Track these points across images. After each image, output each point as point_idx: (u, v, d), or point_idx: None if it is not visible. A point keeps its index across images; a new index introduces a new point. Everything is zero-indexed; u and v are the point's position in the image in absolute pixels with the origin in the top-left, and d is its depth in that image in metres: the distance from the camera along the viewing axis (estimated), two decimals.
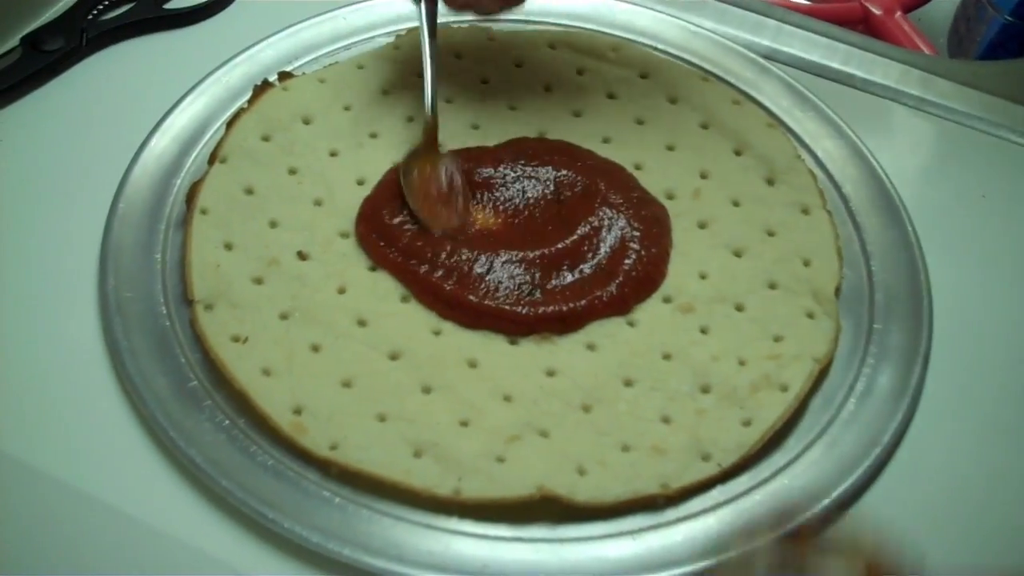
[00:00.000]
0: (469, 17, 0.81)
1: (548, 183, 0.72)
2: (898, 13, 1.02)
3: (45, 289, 0.68)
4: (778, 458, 0.63)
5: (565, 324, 0.66)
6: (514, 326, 0.66)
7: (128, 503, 0.59)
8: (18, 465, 0.60)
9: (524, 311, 0.66)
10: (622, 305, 0.67)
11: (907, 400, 0.65)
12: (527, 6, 0.84)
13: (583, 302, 0.66)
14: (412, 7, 0.84)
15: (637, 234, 0.70)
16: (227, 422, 0.62)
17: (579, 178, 0.73)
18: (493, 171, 0.73)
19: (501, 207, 0.72)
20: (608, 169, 0.74)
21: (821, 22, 0.90)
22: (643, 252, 0.69)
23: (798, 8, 0.96)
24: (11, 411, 0.62)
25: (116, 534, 0.58)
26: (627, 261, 0.68)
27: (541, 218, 0.71)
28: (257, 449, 0.61)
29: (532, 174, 0.73)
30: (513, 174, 0.73)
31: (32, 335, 0.66)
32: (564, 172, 0.73)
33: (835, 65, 0.87)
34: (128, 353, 0.64)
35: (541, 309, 0.66)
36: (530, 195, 0.72)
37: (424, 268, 0.67)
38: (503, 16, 0.82)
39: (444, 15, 0.76)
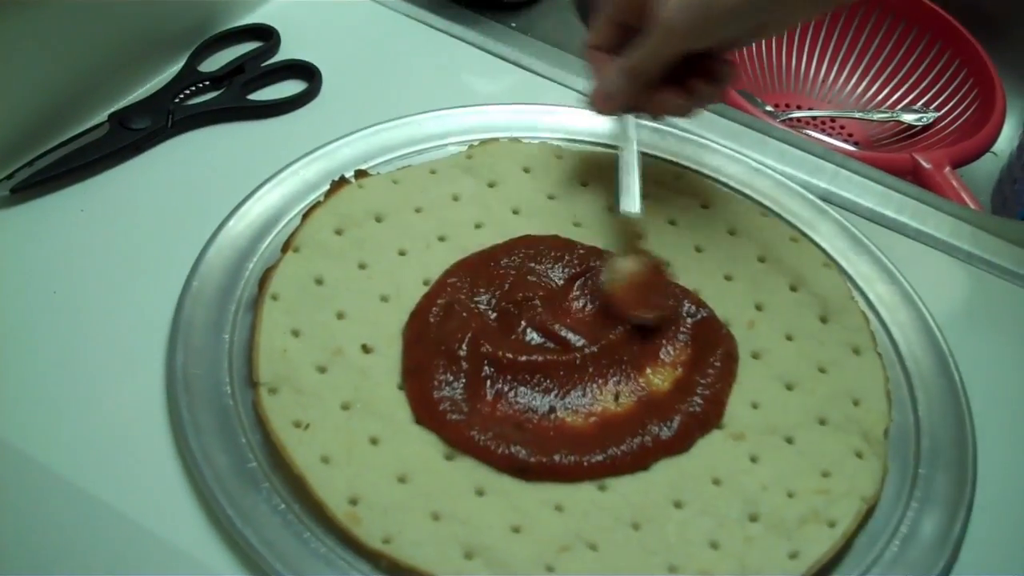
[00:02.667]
0: (560, 136, 0.87)
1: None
2: (947, 168, 1.05)
3: (115, 359, 0.69)
4: None
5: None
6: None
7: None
8: (68, 528, 0.61)
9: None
10: (682, 444, 0.68)
11: (950, 548, 0.66)
12: (596, 128, 0.88)
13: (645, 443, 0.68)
14: (487, 118, 0.88)
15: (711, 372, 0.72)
16: (283, 506, 0.62)
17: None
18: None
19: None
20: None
21: (876, 170, 0.93)
22: (708, 392, 0.70)
23: (852, 155, 0.99)
24: (72, 474, 0.63)
25: None
26: (692, 401, 0.70)
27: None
28: (310, 536, 0.61)
29: None
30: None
31: (98, 403, 0.67)
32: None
33: (889, 213, 0.89)
34: (191, 428, 0.65)
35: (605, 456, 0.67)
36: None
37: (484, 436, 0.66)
38: (568, 135, 0.86)
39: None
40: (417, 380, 0.69)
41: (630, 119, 0.78)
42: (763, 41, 1.25)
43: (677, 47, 0.71)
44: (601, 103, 0.77)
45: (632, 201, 0.77)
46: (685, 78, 0.73)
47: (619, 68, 0.73)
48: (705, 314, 0.75)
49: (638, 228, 0.77)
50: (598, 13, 0.76)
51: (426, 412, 0.67)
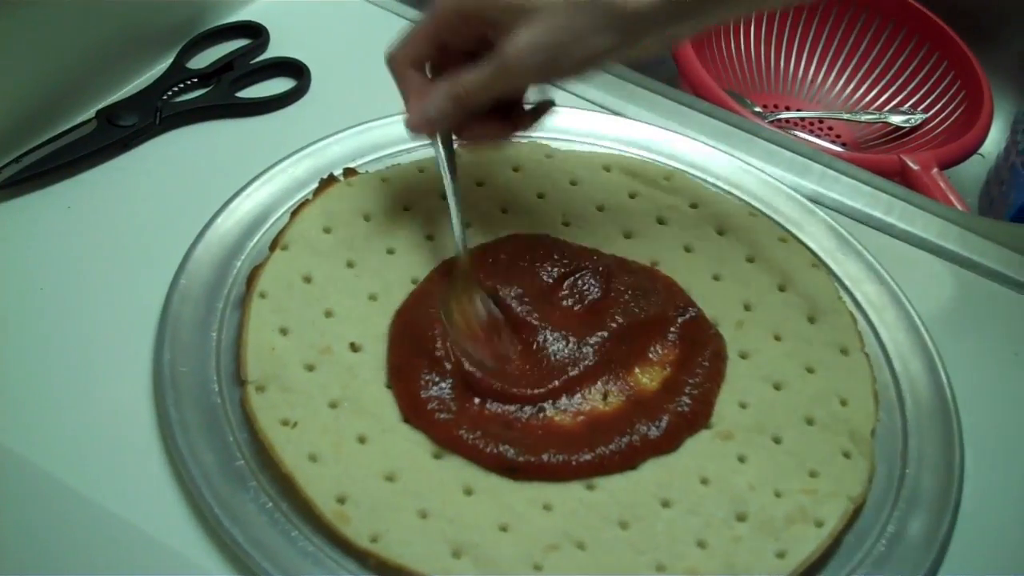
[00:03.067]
0: (525, 135, 0.83)
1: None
2: (934, 169, 1.05)
3: (102, 356, 0.69)
4: None
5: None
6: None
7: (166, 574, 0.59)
8: (54, 524, 0.61)
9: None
10: (670, 444, 0.68)
11: (936, 548, 0.66)
12: (586, 127, 0.88)
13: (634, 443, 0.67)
14: None
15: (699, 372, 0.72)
16: (270, 504, 0.62)
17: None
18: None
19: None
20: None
21: (865, 171, 0.93)
22: (696, 392, 0.71)
23: (840, 156, 1.00)
24: (58, 471, 0.63)
25: None
26: (680, 400, 0.70)
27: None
28: (298, 534, 0.61)
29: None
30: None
31: (85, 401, 0.67)
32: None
33: (877, 214, 0.90)
34: (178, 426, 0.65)
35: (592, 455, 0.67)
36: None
37: (472, 435, 0.66)
38: (557, 135, 0.86)
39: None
40: (402, 379, 0.69)
41: (440, 150, 0.73)
42: (751, 42, 1.26)
43: (517, 85, 0.70)
44: (420, 126, 0.71)
45: (456, 242, 0.73)
46: (506, 107, 0.71)
47: (445, 93, 0.68)
48: (694, 314, 0.75)
49: (465, 268, 0.74)
50: (417, 26, 0.70)
51: (414, 411, 0.67)
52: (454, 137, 0.73)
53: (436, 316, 0.71)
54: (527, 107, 0.73)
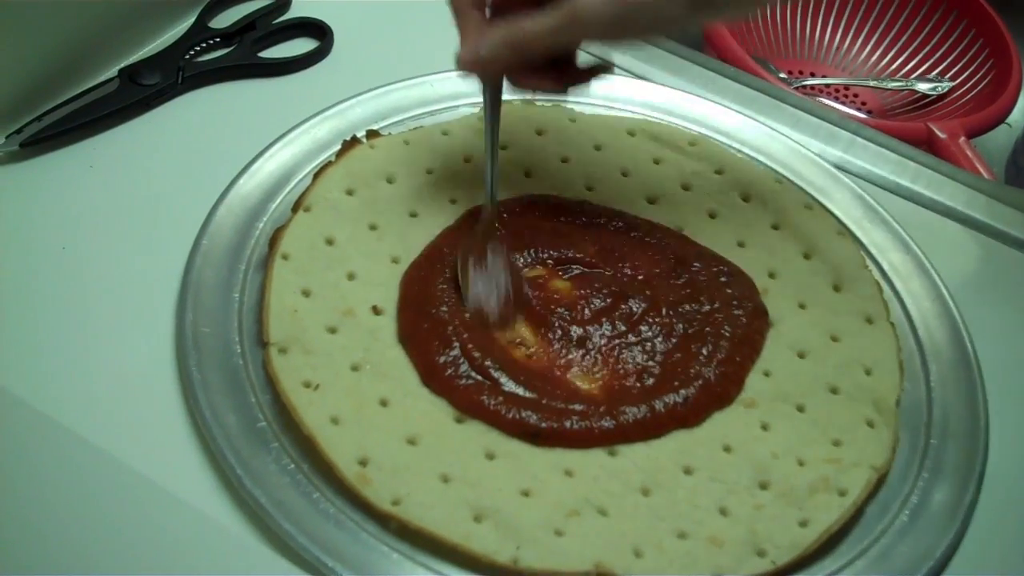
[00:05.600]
0: (551, 97, 0.82)
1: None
2: (961, 138, 1.04)
3: (124, 316, 0.69)
4: (829, 562, 0.63)
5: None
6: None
7: (188, 536, 0.59)
8: (78, 482, 0.61)
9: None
10: (697, 418, 0.68)
11: (960, 517, 0.65)
12: (611, 92, 0.87)
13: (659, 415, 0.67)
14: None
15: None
16: (292, 466, 0.62)
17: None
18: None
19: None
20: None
21: (892, 139, 0.92)
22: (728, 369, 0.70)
23: (867, 123, 0.98)
24: (82, 429, 0.62)
25: (172, 564, 0.58)
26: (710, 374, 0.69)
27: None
28: (320, 496, 0.61)
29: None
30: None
31: (108, 361, 0.67)
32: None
33: (904, 182, 0.89)
34: (201, 387, 0.65)
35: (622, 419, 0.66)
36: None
37: (493, 400, 0.66)
38: (581, 99, 0.85)
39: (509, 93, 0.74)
40: (415, 346, 0.68)
41: (486, 96, 0.71)
42: (777, 7, 1.24)
43: (583, 36, 0.66)
44: (470, 65, 0.67)
45: (486, 191, 0.73)
46: (561, 60, 0.69)
47: (504, 37, 0.65)
48: (749, 306, 0.74)
49: (490, 220, 0.73)
50: None
51: (433, 378, 0.67)
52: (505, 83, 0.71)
53: (442, 276, 0.71)
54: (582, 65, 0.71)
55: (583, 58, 0.70)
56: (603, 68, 0.72)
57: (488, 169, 0.72)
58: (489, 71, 0.68)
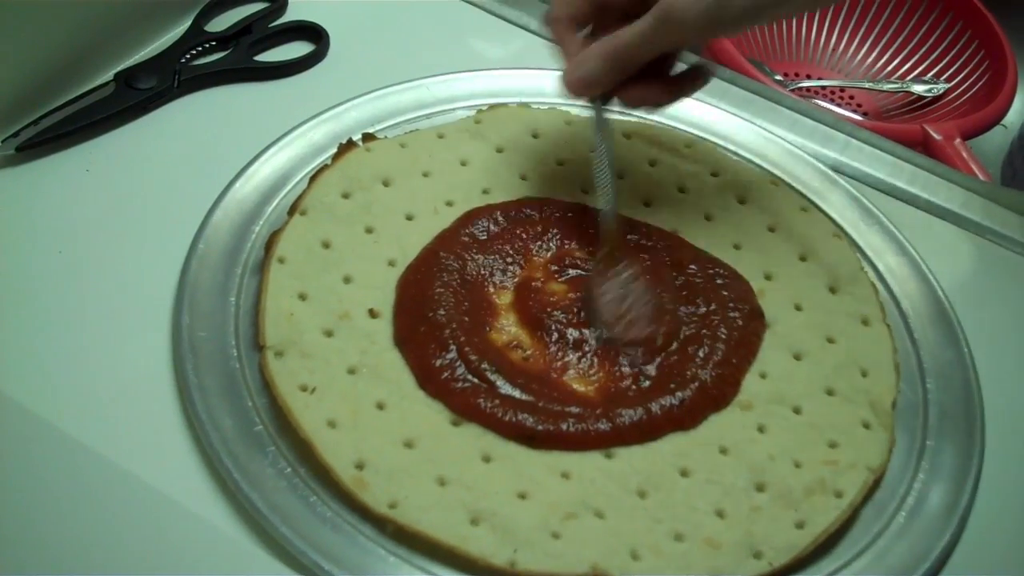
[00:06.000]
0: (569, 102, 0.82)
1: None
2: (957, 139, 1.05)
3: (120, 320, 0.69)
4: (826, 564, 0.63)
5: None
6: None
7: (185, 540, 0.59)
8: (75, 486, 0.61)
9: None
10: (693, 421, 0.68)
11: (957, 518, 0.66)
12: None
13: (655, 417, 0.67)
14: (496, 83, 0.87)
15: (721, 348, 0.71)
16: (288, 469, 0.62)
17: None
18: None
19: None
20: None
21: (888, 141, 0.92)
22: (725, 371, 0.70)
23: (863, 125, 0.99)
24: (78, 433, 0.62)
25: (169, 567, 0.58)
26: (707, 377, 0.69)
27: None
28: (316, 500, 0.61)
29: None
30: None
31: (105, 364, 0.67)
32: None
33: (900, 184, 0.89)
34: (197, 391, 0.65)
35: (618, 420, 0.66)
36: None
37: (489, 402, 0.66)
38: (577, 102, 0.84)
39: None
40: (411, 349, 0.68)
41: (597, 111, 0.72)
42: None
43: (679, 39, 0.67)
44: (579, 88, 0.70)
45: (607, 198, 0.73)
46: (663, 72, 0.70)
47: (601, 52, 0.67)
48: (744, 308, 0.74)
49: (612, 241, 0.73)
50: None
51: (429, 381, 0.67)
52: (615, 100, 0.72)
53: (438, 280, 0.71)
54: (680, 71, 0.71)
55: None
56: (704, 72, 0.72)
57: (606, 187, 0.72)
58: (593, 87, 0.69)
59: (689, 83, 0.72)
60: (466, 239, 0.74)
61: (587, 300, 0.71)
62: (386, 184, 0.77)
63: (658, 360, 0.70)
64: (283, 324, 0.68)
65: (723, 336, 0.71)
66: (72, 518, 0.58)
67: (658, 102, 0.72)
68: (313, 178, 0.76)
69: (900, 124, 1.13)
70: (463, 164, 0.80)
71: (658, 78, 0.70)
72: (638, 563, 0.60)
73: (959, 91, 1.17)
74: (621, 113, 0.83)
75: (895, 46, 1.24)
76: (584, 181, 0.80)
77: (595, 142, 0.72)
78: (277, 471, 0.62)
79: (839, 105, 1.19)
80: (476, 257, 0.73)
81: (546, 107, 0.85)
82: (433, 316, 0.69)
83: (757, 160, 0.86)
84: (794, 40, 1.25)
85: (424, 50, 0.91)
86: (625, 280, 0.72)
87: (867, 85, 1.21)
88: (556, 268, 0.74)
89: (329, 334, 0.68)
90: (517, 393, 0.66)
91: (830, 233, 0.79)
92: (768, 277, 0.76)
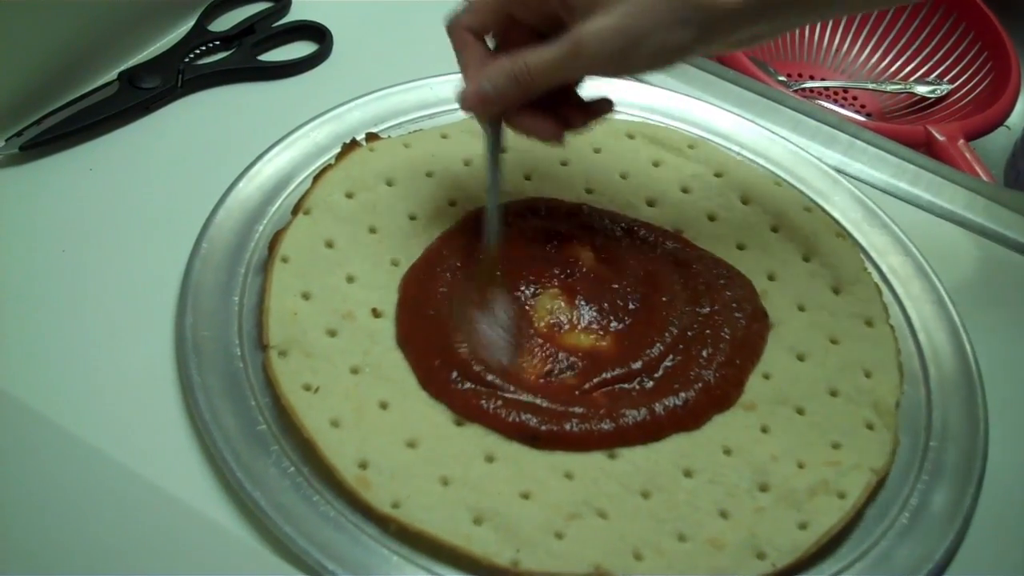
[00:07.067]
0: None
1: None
2: (961, 140, 1.04)
3: (124, 319, 0.69)
4: (829, 565, 0.63)
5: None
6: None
7: (188, 539, 0.59)
8: (78, 485, 0.61)
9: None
10: (697, 422, 0.68)
11: (960, 520, 0.66)
12: (610, 94, 0.86)
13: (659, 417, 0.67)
14: None
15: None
16: (292, 469, 0.62)
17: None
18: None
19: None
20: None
21: (891, 142, 0.92)
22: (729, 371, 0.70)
23: (866, 126, 0.99)
24: (82, 432, 0.62)
25: (172, 566, 0.58)
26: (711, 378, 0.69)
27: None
28: (319, 499, 0.61)
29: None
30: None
31: (108, 363, 0.67)
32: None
33: (903, 185, 0.89)
34: (200, 390, 0.65)
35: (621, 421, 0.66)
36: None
37: (492, 403, 0.66)
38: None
39: None
40: (415, 349, 0.68)
41: (492, 132, 0.69)
42: None
43: (587, 69, 0.65)
44: (478, 104, 0.66)
45: (487, 233, 0.71)
46: (560, 103, 0.67)
47: (507, 71, 0.63)
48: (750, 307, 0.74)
49: (492, 263, 0.72)
50: None
51: (430, 382, 0.67)
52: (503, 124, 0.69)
53: (441, 280, 0.71)
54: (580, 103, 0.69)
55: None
56: (603, 107, 0.70)
57: (491, 211, 0.71)
58: (494, 105, 0.66)
59: (582, 117, 0.68)
60: (469, 239, 0.74)
61: (456, 316, 0.70)
62: (389, 184, 0.77)
63: (639, 364, 0.69)
64: (287, 323, 0.68)
65: (727, 337, 0.71)
66: (76, 517, 0.58)
67: (544, 136, 0.67)
68: (317, 178, 0.76)
69: (903, 125, 1.13)
70: (466, 164, 0.80)
71: (551, 110, 0.67)
72: (641, 563, 0.60)
73: (963, 92, 1.17)
74: (624, 113, 0.83)
75: (898, 47, 1.24)
76: (588, 181, 0.80)
77: (488, 164, 0.70)
78: (280, 470, 0.62)
79: (842, 106, 1.19)
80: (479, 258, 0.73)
81: None
82: (435, 315, 0.69)
83: (760, 160, 0.86)
84: (798, 41, 1.25)
85: (428, 50, 0.90)
86: (496, 306, 0.71)
87: (870, 86, 1.21)
88: (559, 271, 0.74)
89: (332, 334, 0.68)
90: (519, 394, 0.66)
91: (833, 234, 0.79)
92: (771, 277, 0.76)
